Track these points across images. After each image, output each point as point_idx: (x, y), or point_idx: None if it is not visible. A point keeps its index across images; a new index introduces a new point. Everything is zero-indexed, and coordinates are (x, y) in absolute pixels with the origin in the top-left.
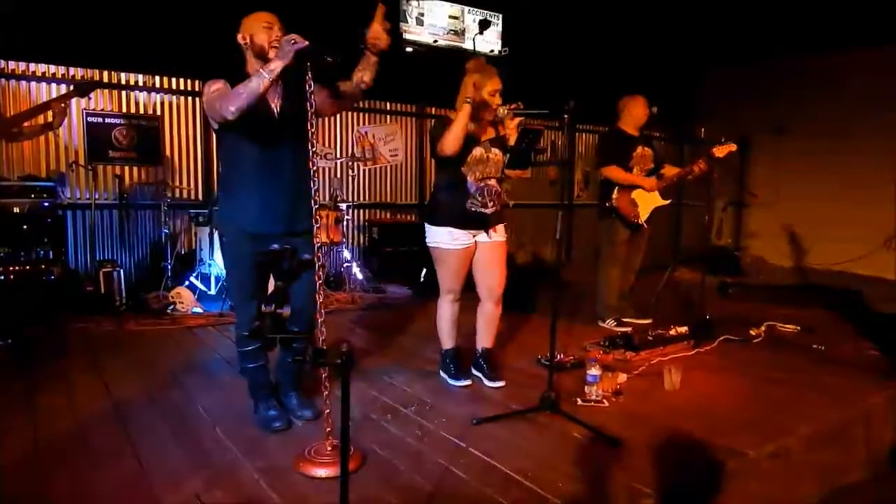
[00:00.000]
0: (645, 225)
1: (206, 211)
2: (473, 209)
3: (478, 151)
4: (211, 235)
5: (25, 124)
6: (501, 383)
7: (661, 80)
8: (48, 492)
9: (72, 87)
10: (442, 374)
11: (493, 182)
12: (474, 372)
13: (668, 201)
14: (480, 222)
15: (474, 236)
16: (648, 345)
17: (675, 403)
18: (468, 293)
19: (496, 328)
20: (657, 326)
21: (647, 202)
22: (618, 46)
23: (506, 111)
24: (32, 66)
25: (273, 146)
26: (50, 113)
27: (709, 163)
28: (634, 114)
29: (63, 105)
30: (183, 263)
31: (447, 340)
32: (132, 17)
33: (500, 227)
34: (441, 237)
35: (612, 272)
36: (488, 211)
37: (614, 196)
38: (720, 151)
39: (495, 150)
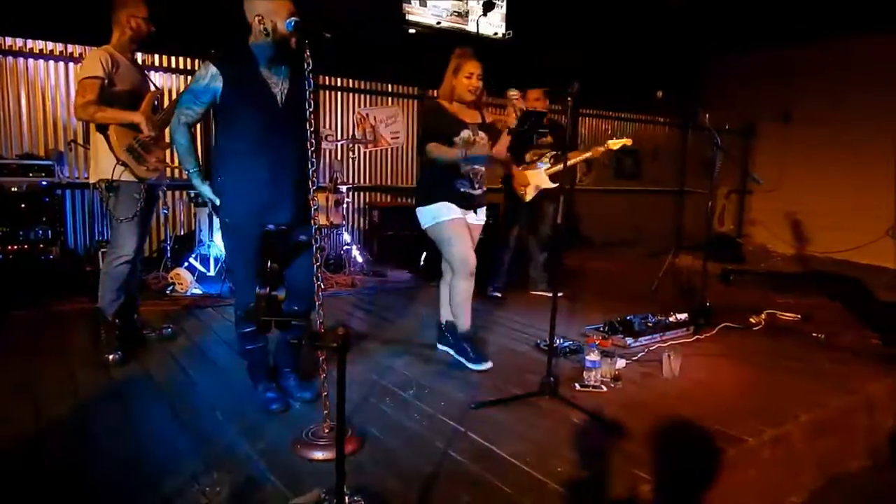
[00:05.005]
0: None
1: None
2: (462, 189)
3: (465, 134)
4: (210, 217)
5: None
6: (489, 364)
7: (668, 64)
8: (46, 471)
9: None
10: (460, 358)
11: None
12: (449, 351)
13: (555, 185)
14: (469, 202)
15: (464, 214)
16: (648, 331)
17: (674, 390)
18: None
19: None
20: (657, 313)
21: (534, 183)
22: (624, 30)
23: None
24: (30, 43)
25: (277, 132)
26: None
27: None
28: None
29: None
30: (182, 244)
31: (467, 321)
32: None
33: (483, 210)
34: (438, 211)
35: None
36: (476, 192)
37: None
38: (615, 144)
39: (482, 134)
